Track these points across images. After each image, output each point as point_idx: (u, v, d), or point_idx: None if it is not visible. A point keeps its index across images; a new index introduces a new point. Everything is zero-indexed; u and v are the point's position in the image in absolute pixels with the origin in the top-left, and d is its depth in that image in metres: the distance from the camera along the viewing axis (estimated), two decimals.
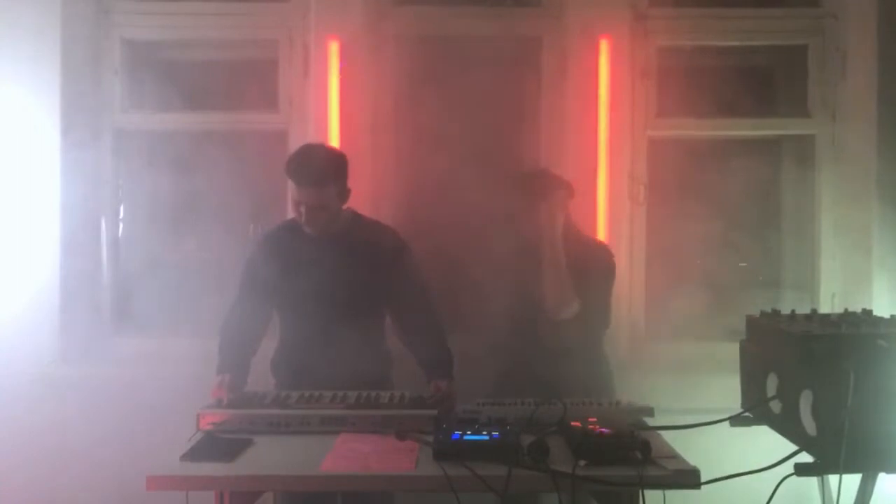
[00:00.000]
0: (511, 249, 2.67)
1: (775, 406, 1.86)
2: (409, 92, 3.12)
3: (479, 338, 2.69)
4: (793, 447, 1.73)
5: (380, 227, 2.61)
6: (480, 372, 2.61)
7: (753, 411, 1.98)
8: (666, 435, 2.02)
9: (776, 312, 1.98)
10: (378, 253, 2.49)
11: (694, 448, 1.90)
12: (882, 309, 1.97)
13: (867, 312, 1.92)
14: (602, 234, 2.97)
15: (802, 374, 1.71)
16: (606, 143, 3.01)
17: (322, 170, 2.37)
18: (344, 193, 2.47)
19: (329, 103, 3.00)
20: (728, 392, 2.17)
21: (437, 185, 3.01)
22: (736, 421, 2.01)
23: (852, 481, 1.70)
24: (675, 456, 1.87)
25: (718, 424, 1.92)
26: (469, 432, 1.89)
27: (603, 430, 1.90)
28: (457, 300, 2.79)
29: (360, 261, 2.47)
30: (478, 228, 2.88)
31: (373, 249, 2.49)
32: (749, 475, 1.71)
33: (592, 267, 2.54)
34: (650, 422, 2.12)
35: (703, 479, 1.75)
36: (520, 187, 2.60)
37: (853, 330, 1.73)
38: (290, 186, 2.40)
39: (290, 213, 3.09)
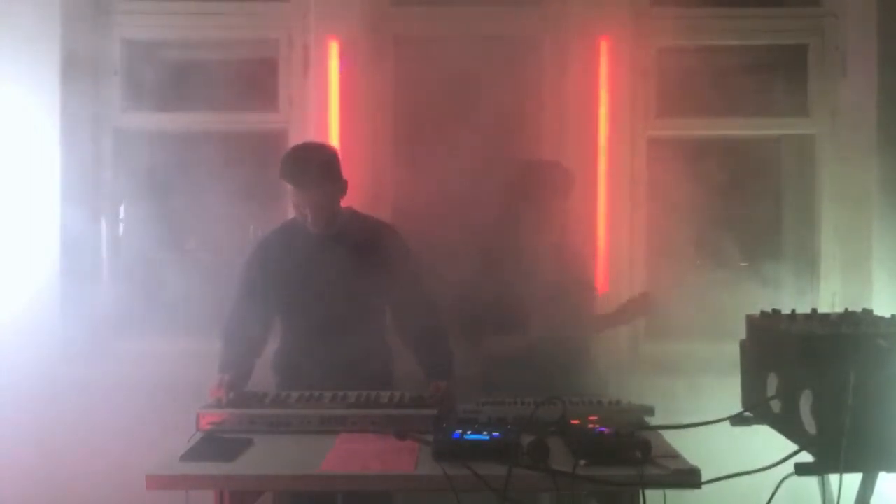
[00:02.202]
0: (511, 250, 2.68)
1: (775, 406, 1.86)
2: (409, 92, 3.12)
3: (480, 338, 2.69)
4: (793, 447, 1.73)
5: (379, 224, 2.61)
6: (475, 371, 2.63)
7: (753, 411, 1.98)
8: (666, 435, 2.02)
9: (776, 312, 1.98)
10: (378, 251, 2.49)
11: (694, 448, 1.90)
12: (882, 309, 1.96)
13: (867, 312, 1.92)
14: (602, 235, 2.97)
15: (802, 374, 1.71)
16: (606, 143, 3.01)
17: (320, 169, 2.37)
18: (343, 188, 2.48)
19: (329, 103, 3.01)
20: (728, 392, 2.17)
21: (436, 184, 3.01)
22: (736, 421, 2.01)
23: (852, 481, 1.71)
24: (675, 455, 1.87)
25: (718, 424, 1.91)
26: (469, 432, 1.89)
27: (603, 429, 1.91)
28: (455, 299, 2.78)
29: (360, 258, 2.47)
30: (478, 228, 2.88)
31: (373, 247, 2.49)
32: (749, 475, 1.71)
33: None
34: (650, 421, 2.12)
35: (703, 479, 1.75)
36: (519, 179, 2.63)
37: (853, 330, 1.73)
38: (290, 190, 2.39)
39: (290, 213, 3.10)
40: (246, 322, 2.50)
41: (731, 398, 2.12)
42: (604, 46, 3.01)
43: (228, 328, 2.51)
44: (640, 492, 1.75)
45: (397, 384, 2.52)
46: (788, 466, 1.69)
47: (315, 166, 2.37)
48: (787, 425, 1.80)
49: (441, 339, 2.55)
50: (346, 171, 2.81)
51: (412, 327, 2.56)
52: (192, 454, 1.89)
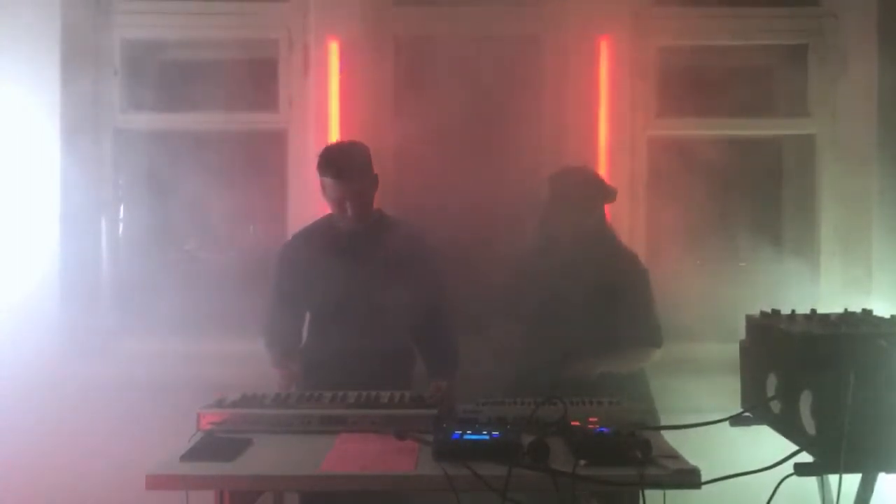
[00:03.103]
0: (511, 251, 2.68)
1: (775, 406, 1.86)
2: (409, 92, 3.12)
3: (488, 339, 2.70)
4: (793, 447, 1.73)
5: (406, 225, 2.66)
6: (489, 374, 2.63)
7: (753, 411, 1.98)
8: (666, 435, 2.02)
9: (776, 312, 1.98)
10: (404, 250, 2.55)
11: (694, 448, 1.90)
12: (882, 309, 1.96)
13: (867, 312, 1.92)
14: None
15: (802, 374, 1.71)
16: (606, 143, 3.01)
17: (358, 162, 2.47)
18: (375, 182, 2.54)
19: (329, 103, 3.01)
20: (728, 392, 2.17)
21: (436, 184, 3.01)
22: (736, 421, 2.01)
23: (852, 481, 1.71)
24: (675, 456, 1.87)
25: (718, 424, 1.91)
26: (469, 432, 1.88)
27: (603, 429, 1.90)
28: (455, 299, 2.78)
29: (387, 258, 2.52)
30: (478, 228, 2.89)
31: (399, 247, 2.55)
32: (749, 475, 1.71)
33: (621, 279, 2.52)
34: (650, 421, 2.12)
35: (703, 479, 1.75)
36: (552, 184, 2.59)
37: (853, 330, 1.73)
38: (328, 184, 2.44)
39: (290, 214, 3.11)
40: (285, 317, 2.60)
41: (731, 398, 2.12)
42: (604, 46, 3.01)
43: (269, 328, 2.61)
44: (640, 492, 1.75)
45: (416, 386, 2.53)
46: (788, 466, 1.69)
47: (353, 159, 2.46)
48: (786, 425, 1.80)
49: (450, 340, 2.60)
50: None
51: (426, 326, 2.60)
52: (192, 454, 1.88)
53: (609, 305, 2.47)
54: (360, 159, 2.48)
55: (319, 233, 2.60)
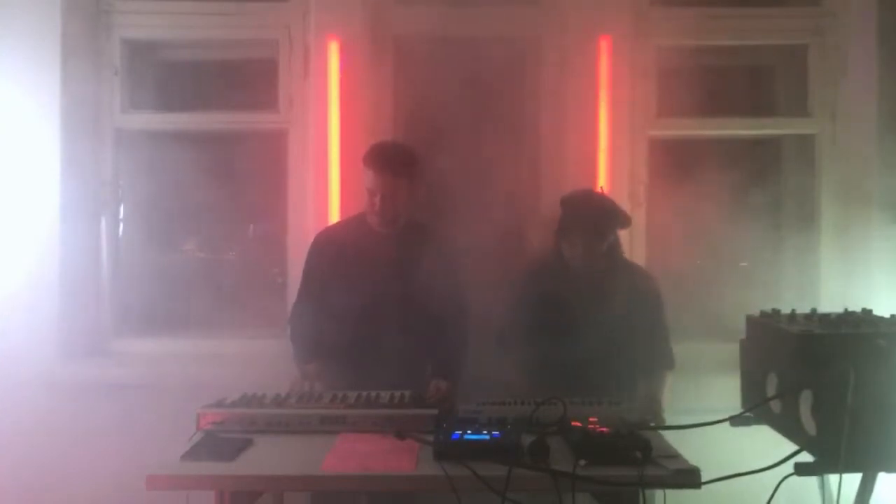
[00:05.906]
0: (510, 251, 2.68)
1: (775, 406, 1.86)
2: (409, 92, 3.12)
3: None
4: (793, 447, 1.73)
5: (432, 230, 2.67)
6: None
7: (753, 411, 1.98)
8: (666, 435, 2.02)
9: (776, 312, 1.98)
10: (428, 256, 2.55)
11: (694, 448, 1.90)
12: (882, 309, 1.96)
13: (867, 312, 1.92)
14: None
15: (802, 374, 1.71)
16: (606, 143, 3.01)
17: (401, 160, 2.50)
18: (415, 193, 2.56)
19: (329, 103, 3.01)
20: (728, 392, 2.17)
21: (435, 185, 3.00)
22: (736, 421, 2.00)
23: (852, 481, 1.71)
24: (675, 455, 1.87)
25: (718, 424, 1.91)
26: (469, 432, 1.89)
27: (603, 429, 1.90)
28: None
29: (410, 261, 2.52)
30: (477, 228, 2.88)
31: (424, 253, 2.55)
32: (749, 475, 1.71)
33: (638, 305, 2.54)
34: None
35: (703, 479, 1.75)
36: (565, 208, 2.58)
37: (853, 330, 1.73)
38: (367, 176, 2.48)
39: (289, 215, 3.11)
40: (305, 313, 2.60)
41: (731, 398, 2.12)
42: (604, 46, 3.00)
43: (292, 321, 2.63)
44: (640, 492, 1.75)
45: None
46: (788, 466, 1.69)
47: (397, 156, 2.50)
48: (787, 425, 1.80)
49: (459, 343, 2.58)
50: (345, 172, 2.82)
51: (438, 325, 2.58)
52: (192, 454, 1.89)
53: (624, 329, 2.49)
54: (403, 159, 2.51)
55: (347, 230, 2.62)
